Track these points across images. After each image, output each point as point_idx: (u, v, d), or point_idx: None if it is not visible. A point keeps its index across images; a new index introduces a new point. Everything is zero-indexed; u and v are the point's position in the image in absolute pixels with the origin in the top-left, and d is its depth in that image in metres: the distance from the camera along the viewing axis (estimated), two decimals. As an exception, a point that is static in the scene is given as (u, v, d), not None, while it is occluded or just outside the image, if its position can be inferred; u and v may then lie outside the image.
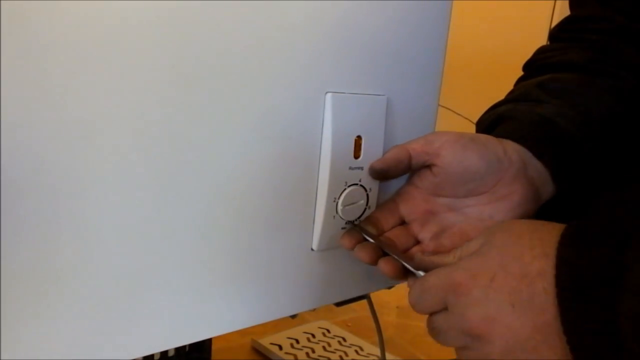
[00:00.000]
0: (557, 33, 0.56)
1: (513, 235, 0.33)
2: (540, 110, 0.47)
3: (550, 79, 0.50)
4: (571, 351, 0.29)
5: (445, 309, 0.35)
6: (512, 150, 0.44)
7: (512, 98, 0.51)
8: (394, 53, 0.46)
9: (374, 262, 0.42)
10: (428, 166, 0.45)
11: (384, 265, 0.41)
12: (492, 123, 0.50)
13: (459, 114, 1.38)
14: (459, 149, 0.42)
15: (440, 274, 0.36)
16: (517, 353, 0.31)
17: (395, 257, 0.41)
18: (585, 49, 0.52)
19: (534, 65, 0.55)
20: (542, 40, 1.44)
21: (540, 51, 0.56)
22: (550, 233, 0.32)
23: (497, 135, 0.46)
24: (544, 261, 0.31)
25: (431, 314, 0.37)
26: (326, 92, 0.43)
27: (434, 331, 0.37)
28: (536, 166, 0.44)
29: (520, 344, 0.31)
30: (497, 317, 0.32)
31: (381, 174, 0.45)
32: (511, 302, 0.31)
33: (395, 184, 0.50)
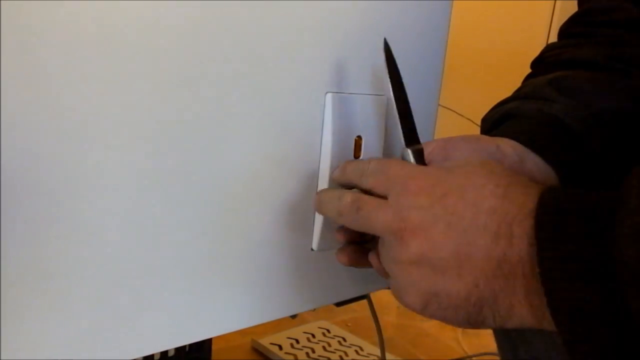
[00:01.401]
0: (567, 29, 0.55)
1: (487, 169, 0.33)
2: (549, 109, 0.46)
3: (561, 77, 0.49)
4: (542, 280, 0.28)
5: (381, 196, 0.35)
6: (505, 145, 0.43)
7: (520, 95, 0.50)
8: (394, 53, 0.46)
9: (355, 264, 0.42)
10: None
11: (340, 256, 0.42)
12: (498, 120, 0.49)
13: (459, 114, 1.38)
14: (449, 151, 0.42)
15: (406, 166, 0.36)
16: (424, 267, 0.32)
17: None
18: (597, 44, 0.50)
19: (544, 63, 0.54)
20: (542, 40, 1.44)
21: (549, 48, 0.55)
22: (524, 184, 0.32)
23: (502, 133, 0.45)
24: (500, 201, 0.31)
25: (363, 191, 0.37)
26: (326, 92, 0.43)
27: (354, 205, 0.36)
28: (535, 160, 0.44)
29: (433, 260, 0.32)
30: (427, 228, 0.32)
31: None
32: (448, 222, 0.31)
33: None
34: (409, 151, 0.38)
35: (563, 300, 0.28)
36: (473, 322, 0.32)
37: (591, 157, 0.45)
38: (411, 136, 0.39)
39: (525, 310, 0.30)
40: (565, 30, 0.56)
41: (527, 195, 0.30)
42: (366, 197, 0.36)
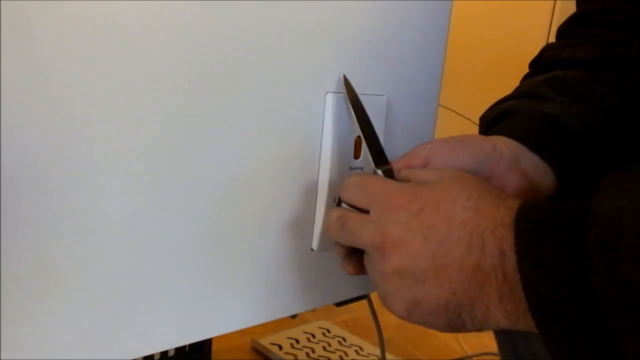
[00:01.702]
0: (566, 29, 0.56)
1: (460, 183, 0.35)
2: (544, 107, 0.47)
3: (557, 76, 0.50)
4: (523, 283, 0.30)
5: (365, 210, 0.37)
6: (501, 145, 0.44)
7: (517, 94, 0.51)
8: (394, 53, 0.46)
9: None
10: None
11: (346, 266, 0.42)
12: (495, 118, 0.49)
13: (459, 114, 1.38)
14: (447, 152, 0.43)
15: (386, 183, 0.37)
16: (405, 278, 0.34)
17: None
18: (594, 44, 0.51)
19: (542, 62, 0.54)
20: (542, 39, 1.44)
21: (548, 48, 0.55)
22: (494, 195, 0.34)
23: (499, 131, 0.45)
24: (471, 213, 0.33)
25: (349, 205, 0.39)
26: (326, 92, 0.43)
27: (339, 221, 0.38)
28: (531, 159, 0.44)
29: (413, 272, 0.34)
30: (406, 242, 0.34)
31: None
32: (425, 235, 0.34)
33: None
34: (379, 172, 0.40)
35: (541, 302, 0.29)
36: (453, 326, 0.34)
37: (586, 155, 0.46)
38: (380, 158, 0.42)
39: (499, 313, 0.32)
40: (564, 31, 0.56)
41: (496, 207, 0.33)
42: (350, 213, 0.38)
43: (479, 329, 0.34)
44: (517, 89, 0.52)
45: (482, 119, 0.52)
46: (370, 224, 0.36)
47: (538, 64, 0.55)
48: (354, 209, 0.38)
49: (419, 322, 0.35)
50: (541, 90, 0.49)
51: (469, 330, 0.34)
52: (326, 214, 0.40)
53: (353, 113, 0.43)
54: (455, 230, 0.33)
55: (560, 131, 0.46)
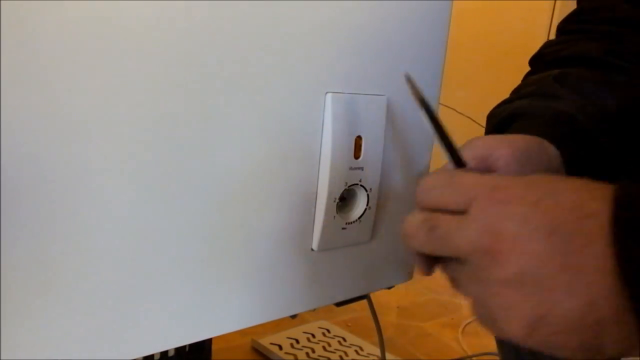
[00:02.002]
0: (565, 26, 0.56)
1: (569, 180, 0.29)
2: (559, 106, 0.46)
3: (564, 74, 0.49)
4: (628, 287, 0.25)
5: (460, 212, 0.30)
6: (553, 154, 0.42)
7: (526, 93, 0.49)
8: (394, 53, 0.46)
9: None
10: None
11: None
12: (505, 119, 0.48)
13: (460, 113, 1.38)
14: (514, 168, 0.39)
15: (482, 177, 0.30)
16: (526, 286, 0.27)
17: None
18: (594, 40, 0.51)
19: (543, 60, 0.54)
20: (543, 38, 1.44)
21: (548, 45, 0.55)
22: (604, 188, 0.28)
23: (515, 132, 0.44)
24: (601, 204, 0.26)
25: (435, 210, 0.32)
26: (326, 92, 0.43)
27: (426, 225, 0.32)
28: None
29: (536, 277, 0.27)
30: (524, 240, 0.27)
31: None
32: (551, 229, 0.27)
33: (397, 184, 0.50)
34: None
35: None
36: (587, 348, 0.27)
37: (602, 153, 0.45)
38: (459, 160, 0.36)
39: None
40: (563, 28, 0.56)
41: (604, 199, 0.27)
42: (440, 215, 0.31)
43: (620, 354, 0.27)
44: (522, 88, 0.52)
45: (489, 117, 0.51)
46: (471, 223, 0.29)
47: (538, 61, 0.55)
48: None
49: (542, 343, 0.28)
50: (551, 89, 0.48)
51: (607, 356, 0.27)
52: (406, 219, 0.33)
53: (425, 113, 0.38)
54: (585, 223, 0.26)
55: (576, 129, 0.45)
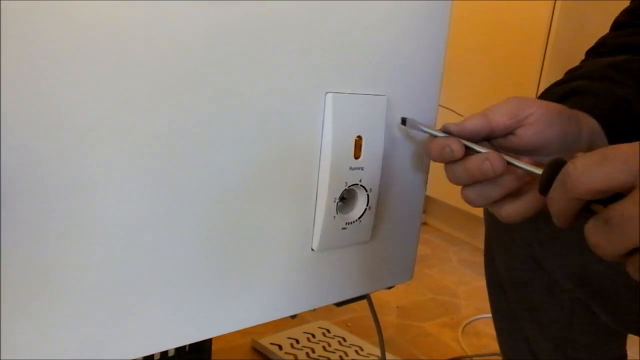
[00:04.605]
0: (622, 21, 0.55)
1: None
2: (618, 90, 0.46)
3: (625, 61, 0.48)
4: None
5: (626, 190, 0.28)
6: (585, 129, 0.43)
7: (581, 74, 0.49)
8: (394, 53, 0.46)
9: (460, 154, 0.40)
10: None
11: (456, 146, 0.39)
12: (563, 97, 0.48)
13: (459, 114, 1.38)
14: (542, 127, 0.41)
15: (634, 144, 0.28)
16: None
17: (521, 165, 0.38)
18: None
19: (601, 49, 0.54)
20: (542, 39, 1.44)
21: (605, 37, 0.55)
22: None
23: (574, 107, 0.44)
24: None
25: (589, 200, 0.29)
26: (326, 92, 0.43)
27: (597, 221, 0.29)
28: (601, 144, 0.43)
29: None
30: None
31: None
32: None
33: (397, 184, 0.50)
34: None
35: None
36: None
37: None
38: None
39: None
40: (621, 22, 0.55)
41: None
42: (608, 207, 0.29)
43: None
44: (579, 70, 0.51)
45: (543, 96, 0.51)
46: None
47: (596, 51, 0.54)
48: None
49: None
50: (608, 73, 0.47)
51: None
52: (585, 234, 0.30)
53: (468, 144, 0.40)
54: None
55: (632, 116, 0.45)
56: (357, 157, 0.45)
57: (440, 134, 0.43)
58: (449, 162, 0.42)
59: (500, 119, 0.41)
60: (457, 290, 1.47)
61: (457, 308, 1.36)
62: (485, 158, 0.39)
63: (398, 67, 0.47)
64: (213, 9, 0.35)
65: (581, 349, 0.65)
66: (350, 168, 0.45)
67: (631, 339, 0.65)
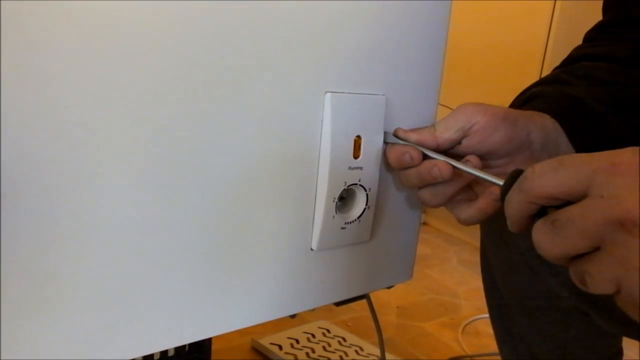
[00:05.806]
0: (594, 34, 0.57)
1: None
2: (569, 90, 0.48)
3: (578, 66, 0.51)
4: None
5: (576, 196, 0.29)
6: (535, 132, 0.44)
7: (540, 82, 0.52)
8: (394, 53, 0.46)
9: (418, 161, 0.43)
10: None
11: (442, 166, 0.42)
12: (524, 102, 0.51)
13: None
14: (486, 135, 0.43)
15: (593, 155, 0.29)
16: None
17: (465, 169, 0.42)
18: (622, 45, 0.52)
19: (567, 60, 0.56)
20: (542, 40, 1.44)
21: (575, 48, 0.57)
22: None
23: (531, 110, 0.46)
24: None
25: (544, 205, 0.31)
26: (326, 92, 0.43)
27: (546, 222, 0.30)
28: (556, 144, 0.45)
29: None
30: None
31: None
32: None
33: (396, 184, 0.50)
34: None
35: None
36: None
37: (608, 138, 0.46)
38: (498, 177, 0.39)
39: None
40: (591, 36, 0.57)
41: None
42: (558, 210, 0.30)
43: None
44: (541, 79, 0.54)
45: (511, 106, 0.53)
46: (597, 200, 0.27)
47: (564, 62, 0.57)
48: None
49: None
50: (562, 77, 0.50)
51: None
52: (533, 234, 0.31)
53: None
54: None
55: (585, 112, 0.46)
56: (356, 156, 0.45)
57: (402, 142, 0.46)
58: (407, 168, 0.45)
59: (446, 135, 0.44)
60: (457, 290, 1.47)
61: (457, 308, 1.36)
62: (434, 164, 0.43)
63: (397, 66, 0.47)
64: (212, 9, 0.35)
65: (580, 349, 0.65)
66: (349, 168, 0.45)
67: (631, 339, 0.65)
